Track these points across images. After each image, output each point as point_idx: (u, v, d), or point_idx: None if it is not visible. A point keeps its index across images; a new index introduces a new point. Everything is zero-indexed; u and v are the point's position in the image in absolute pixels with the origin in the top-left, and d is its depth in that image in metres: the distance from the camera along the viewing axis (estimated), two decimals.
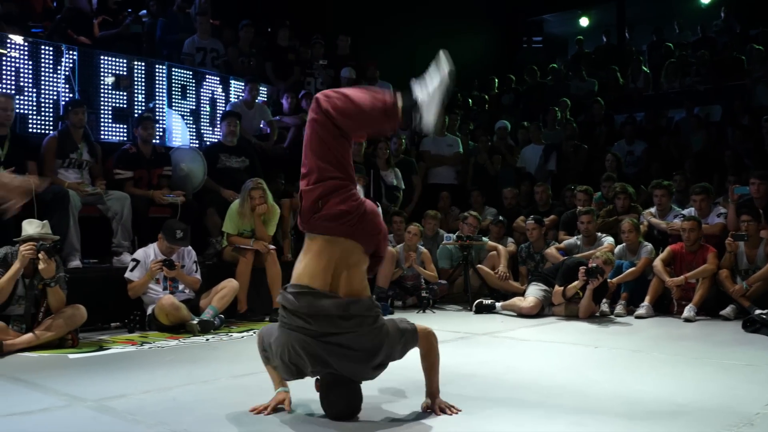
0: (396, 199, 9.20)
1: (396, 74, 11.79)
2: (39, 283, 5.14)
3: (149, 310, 6.10)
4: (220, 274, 6.65)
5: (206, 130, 8.87)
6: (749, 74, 11.73)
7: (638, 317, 6.86)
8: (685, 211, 7.68)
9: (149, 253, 6.21)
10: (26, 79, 7.28)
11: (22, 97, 7.22)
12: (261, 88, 9.52)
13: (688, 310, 6.72)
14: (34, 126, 7.31)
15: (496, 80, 14.46)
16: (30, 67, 7.30)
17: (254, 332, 6.10)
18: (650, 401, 3.57)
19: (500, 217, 9.02)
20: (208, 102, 8.95)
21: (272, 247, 7.00)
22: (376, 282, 7.49)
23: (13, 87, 7.15)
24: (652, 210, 8.05)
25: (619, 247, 7.57)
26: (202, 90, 8.87)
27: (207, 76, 9.01)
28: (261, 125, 9.29)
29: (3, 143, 6.23)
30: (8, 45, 7.19)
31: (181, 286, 6.28)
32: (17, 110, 6.95)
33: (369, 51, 12.24)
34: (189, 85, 8.72)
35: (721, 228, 7.44)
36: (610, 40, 15.74)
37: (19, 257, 5.02)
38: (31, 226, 5.25)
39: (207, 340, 5.70)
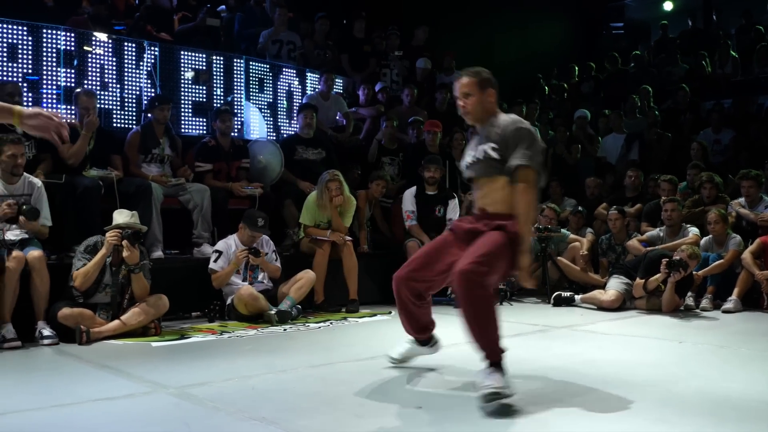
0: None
1: (473, 64, 11.70)
2: (124, 270, 5.29)
3: (228, 300, 6.21)
4: (298, 265, 6.71)
5: (283, 122, 8.97)
6: None
7: (725, 312, 6.61)
8: None
9: (230, 244, 6.32)
10: (110, 76, 7.50)
11: (106, 93, 7.46)
12: (337, 79, 9.57)
13: None
14: (118, 121, 7.54)
15: (576, 68, 14.15)
16: (114, 63, 7.53)
17: (330, 323, 6.15)
18: (738, 399, 3.42)
19: (579, 207, 8.84)
20: (284, 95, 9.05)
21: (349, 238, 7.03)
22: None
23: (98, 83, 7.38)
24: (741, 200, 7.73)
25: (705, 238, 7.30)
26: (279, 83, 8.98)
27: (284, 70, 9.12)
28: (337, 117, 9.33)
29: (91, 138, 6.44)
30: (93, 43, 7.41)
31: (260, 277, 6.37)
32: (102, 106, 7.19)
33: (445, 41, 12.15)
34: (266, 79, 8.84)
35: None
36: (695, 24, 15.21)
37: (105, 243, 5.21)
38: (120, 216, 5.43)
39: (285, 330, 5.76)
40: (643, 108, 11.36)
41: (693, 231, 7.34)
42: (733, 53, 12.86)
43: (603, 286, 7.20)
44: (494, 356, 3.32)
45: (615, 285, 6.96)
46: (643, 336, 5.43)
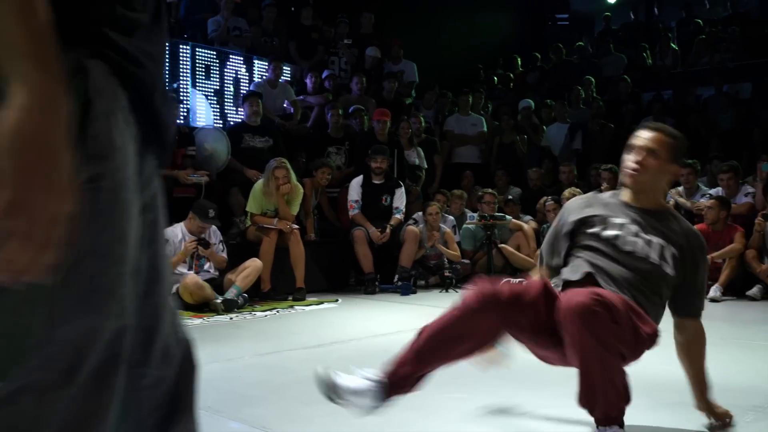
0: (418, 179, 9.18)
1: (420, 53, 11.79)
2: None
3: (173, 289, 6.14)
4: (244, 253, 6.69)
5: (230, 110, 8.89)
6: None
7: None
8: (712, 191, 7.59)
9: (176, 232, 6.26)
10: None
11: None
12: (285, 67, 9.52)
13: (714, 291, 6.65)
14: None
15: (519, 59, 14.32)
16: None
17: (277, 311, 6.15)
18: (676, 382, 3.53)
19: (509, 197, 8.96)
20: (231, 82, 8.97)
21: (296, 226, 7.03)
22: (399, 261, 7.51)
23: None
24: (679, 189, 7.95)
25: None
26: (225, 70, 8.89)
27: (231, 56, 9.02)
28: (285, 105, 9.29)
29: None
30: None
31: (206, 265, 6.33)
32: None
33: (393, 29, 12.17)
34: (213, 66, 8.74)
35: (748, 207, 7.35)
36: (638, 16, 15.51)
37: None
38: None
39: (231, 318, 5.74)
40: (586, 98, 11.56)
41: None
42: (674, 45, 13.17)
43: None
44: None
45: None
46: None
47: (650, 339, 2.61)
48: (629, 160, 2.82)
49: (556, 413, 3.02)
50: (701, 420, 2.88)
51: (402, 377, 2.58)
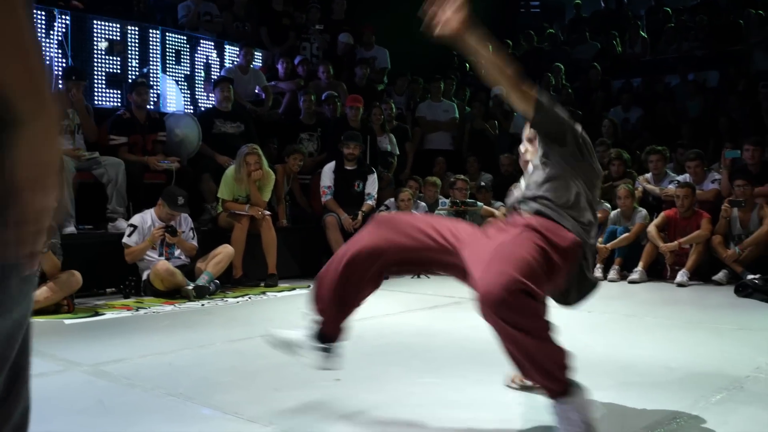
0: (390, 165, 9.19)
1: (392, 39, 11.76)
2: None
3: (144, 276, 6.11)
4: (216, 239, 6.66)
5: (201, 95, 8.81)
6: (747, 39, 11.66)
7: (631, 282, 6.91)
8: (680, 177, 7.70)
9: (146, 219, 6.21)
10: None
11: None
12: (256, 53, 9.45)
13: (681, 275, 6.77)
14: None
15: (490, 46, 14.34)
16: None
17: (249, 297, 6.14)
18: (643, 365, 3.61)
19: (481, 183, 9.01)
20: (202, 67, 8.89)
21: (267, 212, 7.01)
22: None
23: None
24: (647, 176, 8.05)
25: (614, 212, 7.59)
26: (196, 55, 8.81)
27: (201, 41, 8.94)
28: (256, 90, 9.24)
29: None
30: None
31: (176, 252, 6.29)
32: None
33: (365, 15, 12.12)
34: (183, 50, 8.65)
35: (715, 194, 7.47)
36: (608, 4, 15.61)
37: None
38: None
39: (202, 305, 5.73)
40: (556, 86, 11.63)
41: (604, 206, 7.61)
42: (643, 33, 13.28)
43: None
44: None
45: None
46: (553, 306, 5.61)
47: (570, 255, 2.64)
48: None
49: (527, 394, 3.06)
50: (666, 401, 2.94)
51: (328, 323, 2.82)
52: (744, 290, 6.00)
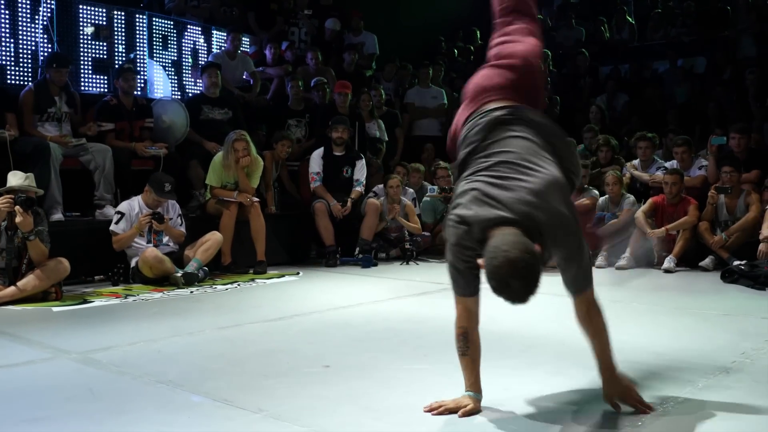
0: (379, 152, 9.18)
1: (380, 25, 11.72)
2: (18, 237, 5.11)
3: (133, 263, 6.10)
4: (204, 226, 6.64)
5: (188, 81, 8.76)
6: (734, 25, 11.69)
7: (619, 268, 6.94)
8: (668, 164, 7.73)
9: (134, 205, 6.18)
10: (3, 30, 7.13)
11: None
12: (243, 38, 9.39)
13: (668, 261, 6.81)
14: (13, 77, 7.19)
15: (478, 32, 14.31)
16: (7, 16, 7.15)
17: (238, 284, 6.14)
18: (630, 350, 3.63)
19: None
20: (189, 53, 8.82)
21: (256, 199, 7.00)
22: (360, 234, 7.53)
23: None
24: (635, 162, 8.08)
25: (602, 198, 7.61)
26: (183, 41, 8.74)
27: (188, 27, 8.88)
28: (244, 76, 9.19)
29: None
30: None
31: (165, 239, 6.27)
32: None
33: (353, 0, 12.07)
34: (170, 36, 8.58)
35: (702, 180, 7.50)
36: None
37: None
38: (14, 178, 5.23)
39: (191, 292, 5.72)
40: (544, 72, 11.63)
41: (592, 193, 7.63)
42: (630, 19, 13.28)
43: None
44: None
45: None
46: (542, 293, 5.61)
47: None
48: None
49: (518, 382, 3.08)
50: (654, 387, 2.97)
51: None
52: (730, 276, 6.04)
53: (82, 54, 7.69)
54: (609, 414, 2.69)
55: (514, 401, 2.85)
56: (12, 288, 5.06)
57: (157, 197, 6.14)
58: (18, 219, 4.98)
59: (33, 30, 7.34)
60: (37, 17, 7.36)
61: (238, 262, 6.84)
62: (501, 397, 2.87)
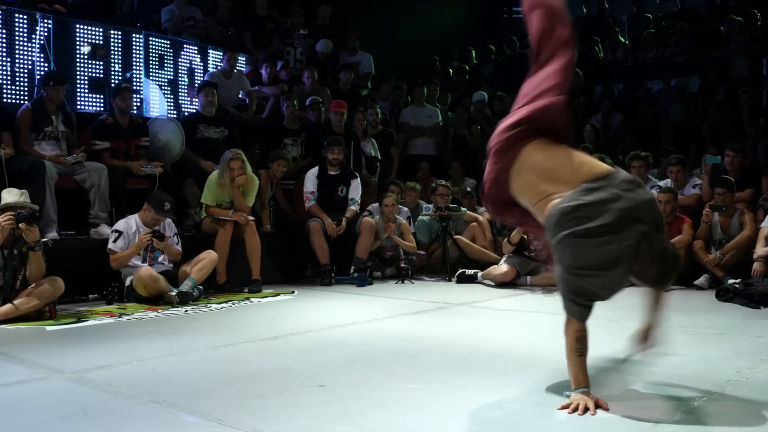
0: (375, 170, 9.20)
1: (376, 44, 11.79)
2: (23, 248, 5.08)
3: (127, 282, 6.08)
4: (199, 245, 6.63)
5: (184, 100, 8.78)
6: (727, 46, 11.78)
7: None
8: (662, 183, 7.75)
9: (131, 224, 6.17)
10: (0, 48, 7.16)
11: None
12: (240, 58, 9.44)
13: None
14: (9, 96, 7.21)
15: (474, 51, 14.40)
16: (3, 35, 7.18)
17: (233, 303, 6.12)
18: (625, 369, 3.64)
19: (467, 189, 9.04)
20: (186, 72, 8.86)
21: (251, 218, 7.00)
22: (355, 253, 7.53)
23: None
24: None
25: None
26: (179, 60, 8.78)
27: (185, 46, 8.91)
28: (240, 95, 9.22)
29: None
30: None
31: (160, 258, 6.26)
32: None
33: (350, 20, 12.14)
34: (167, 55, 8.62)
35: (696, 199, 7.53)
36: (590, 10, 15.70)
37: None
38: (9, 195, 5.22)
39: (186, 311, 5.70)
40: None
41: None
42: (623, 39, 13.38)
43: (498, 262, 7.43)
44: None
45: (507, 260, 7.22)
46: (538, 311, 5.64)
47: None
48: None
49: (513, 401, 3.08)
50: (649, 406, 2.97)
51: None
52: (725, 295, 6.04)
53: (78, 73, 7.72)
54: None
55: (510, 420, 2.84)
56: (8, 306, 5.04)
57: (156, 216, 6.14)
58: (26, 232, 4.97)
59: (30, 49, 7.36)
60: (33, 36, 7.39)
61: (233, 281, 6.83)
62: (496, 416, 2.86)
